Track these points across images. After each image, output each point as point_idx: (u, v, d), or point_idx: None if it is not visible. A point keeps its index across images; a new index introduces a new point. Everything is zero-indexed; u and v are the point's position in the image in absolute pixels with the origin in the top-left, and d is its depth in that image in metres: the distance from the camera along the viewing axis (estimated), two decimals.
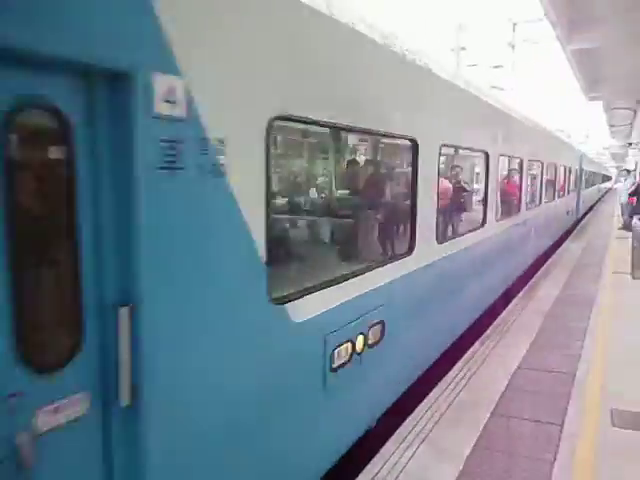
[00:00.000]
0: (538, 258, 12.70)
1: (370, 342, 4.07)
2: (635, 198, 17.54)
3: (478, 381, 5.82)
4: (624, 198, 19.58)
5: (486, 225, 7.51)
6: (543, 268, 12.59)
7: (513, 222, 9.42)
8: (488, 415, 4.99)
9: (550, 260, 13.71)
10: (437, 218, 5.52)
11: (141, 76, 2.06)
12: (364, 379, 4.08)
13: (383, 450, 4.37)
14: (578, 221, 22.79)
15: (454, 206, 7.37)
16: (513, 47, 22.66)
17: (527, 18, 21.83)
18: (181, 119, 2.24)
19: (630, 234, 12.35)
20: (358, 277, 3.99)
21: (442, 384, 5.72)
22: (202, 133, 2.37)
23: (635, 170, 23.37)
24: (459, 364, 6.34)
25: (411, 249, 4.96)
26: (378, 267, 4.38)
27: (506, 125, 8.49)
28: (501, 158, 8.17)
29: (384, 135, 4.67)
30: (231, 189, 2.57)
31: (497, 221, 8.10)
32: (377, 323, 4.18)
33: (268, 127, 2.82)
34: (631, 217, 14.59)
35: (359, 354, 3.91)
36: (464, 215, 7.87)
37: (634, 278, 11.05)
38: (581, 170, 22.26)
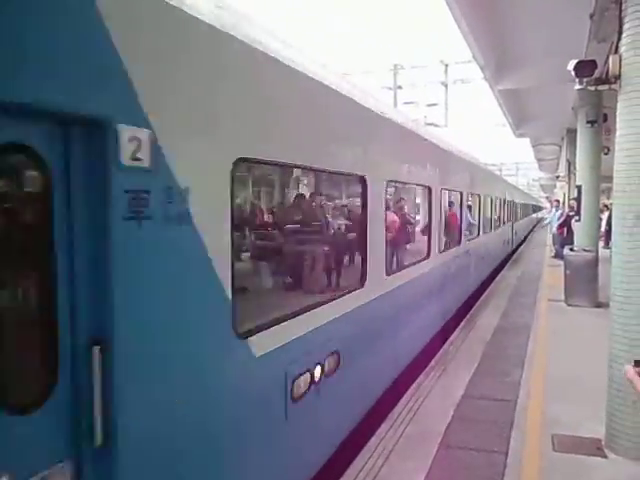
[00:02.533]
0: None
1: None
2: (564, 228, 18.50)
3: (425, 413, 5.88)
4: (554, 228, 20.62)
5: None
6: (482, 297, 13.00)
7: None
8: (436, 447, 5.04)
9: (489, 289, 14.18)
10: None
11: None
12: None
13: None
14: None
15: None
16: (446, 86, 23.75)
17: (457, 60, 23.01)
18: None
19: (562, 262, 12.99)
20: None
21: (390, 418, 5.74)
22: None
23: (564, 201, 24.68)
24: (405, 397, 6.39)
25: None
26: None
27: None
28: None
29: None
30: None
31: None
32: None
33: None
34: (562, 247, 15.37)
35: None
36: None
37: (568, 305, 11.61)
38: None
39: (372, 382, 5.53)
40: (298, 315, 3.89)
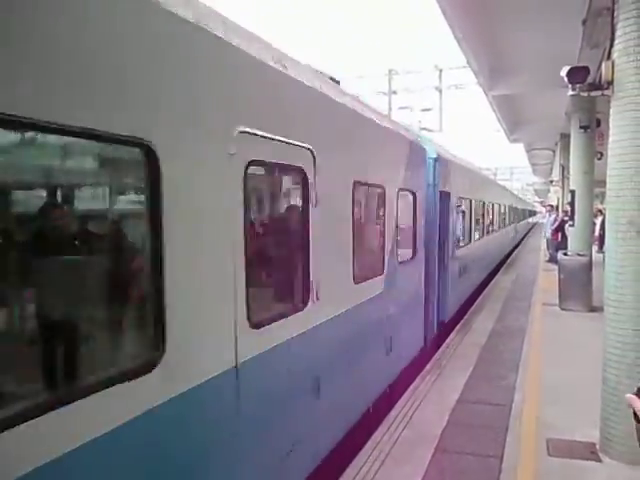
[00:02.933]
0: None
1: None
2: (559, 234, 18.56)
3: (421, 417, 5.89)
4: (549, 233, 20.72)
5: None
6: (477, 301, 13.04)
7: None
8: (432, 451, 5.04)
9: (484, 293, 14.23)
10: None
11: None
12: None
13: None
14: None
15: None
16: (440, 91, 23.85)
17: (452, 65, 23.12)
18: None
19: (556, 266, 13.03)
20: None
21: (386, 422, 5.75)
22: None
23: (557, 206, 24.77)
24: (401, 401, 6.40)
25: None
26: None
27: None
28: None
29: None
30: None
31: None
32: None
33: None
34: (557, 251, 15.43)
35: None
36: None
37: (562, 309, 11.65)
38: None
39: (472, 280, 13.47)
40: (462, 247, 11.82)
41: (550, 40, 9.58)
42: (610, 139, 4.96)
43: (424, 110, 24.47)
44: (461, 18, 8.74)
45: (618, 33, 4.77)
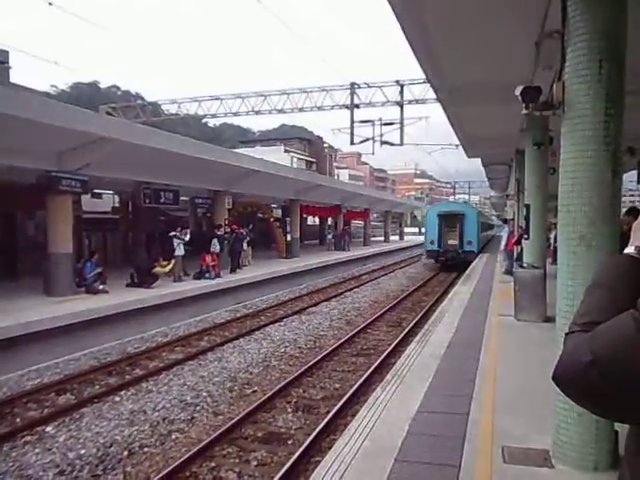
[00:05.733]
0: None
1: None
2: (515, 246, 19.10)
3: (381, 428, 5.94)
4: (502, 246, 21.34)
5: None
6: (436, 313, 13.27)
7: None
8: (392, 462, 5.09)
9: (441, 305, 14.48)
10: None
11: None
12: None
13: None
14: None
15: None
16: (401, 106, 24.30)
17: (414, 78, 23.58)
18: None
19: (511, 278, 13.40)
20: None
21: (346, 434, 5.78)
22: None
23: (512, 219, 25.53)
24: (362, 411, 6.45)
25: None
26: None
27: None
28: None
29: None
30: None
31: None
32: None
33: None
34: (517, 261, 15.88)
35: None
36: None
37: (517, 320, 11.97)
38: None
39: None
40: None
41: (507, 60, 9.92)
42: (561, 156, 5.17)
43: (386, 124, 24.87)
44: (422, 42, 8.97)
45: (568, 56, 5.00)
